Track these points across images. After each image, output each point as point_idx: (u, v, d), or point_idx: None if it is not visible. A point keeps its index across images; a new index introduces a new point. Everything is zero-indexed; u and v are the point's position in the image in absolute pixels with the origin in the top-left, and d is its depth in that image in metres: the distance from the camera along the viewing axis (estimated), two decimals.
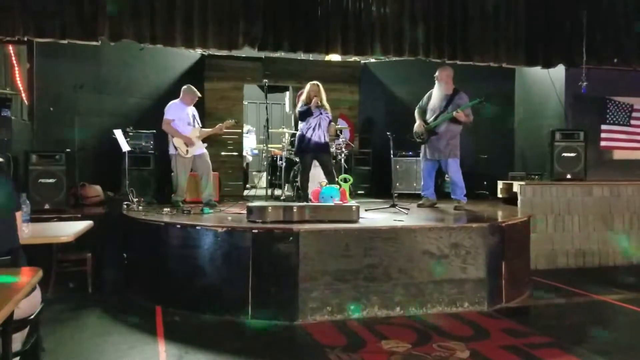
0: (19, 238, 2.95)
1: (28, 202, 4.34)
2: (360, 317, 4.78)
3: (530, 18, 7.93)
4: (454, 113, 6.54)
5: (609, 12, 8.07)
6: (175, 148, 6.66)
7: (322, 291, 4.73)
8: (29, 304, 2.82)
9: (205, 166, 6.90)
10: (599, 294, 5.73)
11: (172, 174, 6.83)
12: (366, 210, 6.27)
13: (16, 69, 7.21)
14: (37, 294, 2.90)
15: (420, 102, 7.06)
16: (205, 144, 7.07)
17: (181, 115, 6.76)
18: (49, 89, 7.53)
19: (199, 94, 7.01)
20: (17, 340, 2.78)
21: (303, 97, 6.98)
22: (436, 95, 6.87)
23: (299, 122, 7.03)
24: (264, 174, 9.98)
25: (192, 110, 6.95)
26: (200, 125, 7.03)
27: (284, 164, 7.87)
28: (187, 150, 6.70)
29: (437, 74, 6.88)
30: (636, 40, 8.12)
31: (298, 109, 6.98)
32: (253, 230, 4.80)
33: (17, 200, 3.04)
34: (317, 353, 4.00)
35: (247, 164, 11.11)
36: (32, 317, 2.81)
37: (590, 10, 7.87)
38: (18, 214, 3.02)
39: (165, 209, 6.19)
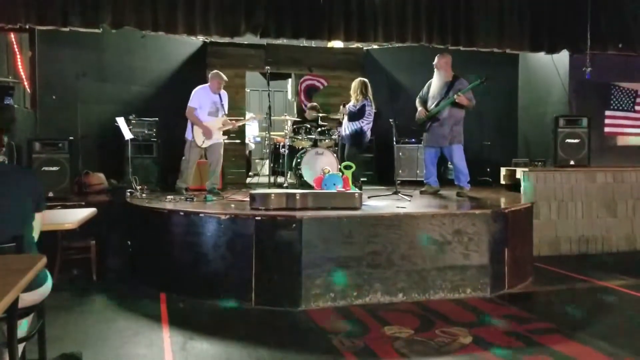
0: (33, 235, 2.93)
1: None
2: (363, 303, 4.81)
3: (534, 3, 7.88)
4: (455, 97, 6.52)
5: None
6: (193, 135, 6.65)
7: (325, 278, 4.75)
8: (42, 293, 2.84)
9: (217, 156, 6.91)
10: (602, 280, 5.74)
11: (183, 158, 6.84)
12: (369, 197, 6.27)
13: (18, 56, 7.21)
14: (49, 284, 2.92)
15: (421, 92, 7.05)
16: (225, 136, 7.06)
17: (204, 103, 6.75)
18: (51, 76, 7.53)
19: (226, 78, 6.95)
20: (23, 326, 2.80)
21: None
22: (436, 83, 6.84)
23: None
24: (267, 161, 9.98)
25: (222, 96, 6.90)
26: (225, 113, 6.97)
27: (287, 151, 7.87)
28: (203, 141, 6.71)
29: (435, 61, 6.85)
30: None
31: None
32: (256, 218, 4.81)
33: (40, 200, 3.00)
34: (321, 339, 4.03)
35: (250, 151, 11.10)
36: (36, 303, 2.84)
37: None
38: (39, 216, 3.00)
39: (168, 197, 6.21)
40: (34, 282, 2.45)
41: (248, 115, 7.22)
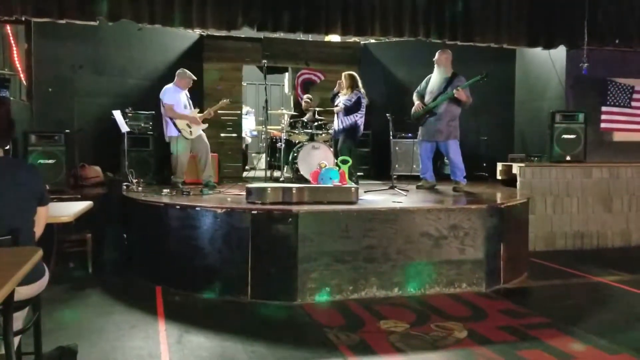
0: (33, 229, 2.92)
1: None
2: (359, 297, 4.82)
3: None
4: (455, 92, 6.51)
5: None
6: (179, 130, 6.64)
7: (321, 272, 4.76)
8: (38, 286, 2.83)
9: (204, 147, 6.92)
10: (597, 276, 5.76)
11: (172, 156, 6.82)
12: (365, 192, 6.28)
13: (14, 49, 7.18)
14: (46, 277, 2.91)
15: (418, 87, 7.05)
16: (207, 125, 7.08)
17: (178, 100, 6.76)
18: (47, 69, 7.49)
19: (194, 77, 6.99)
20: (19, 319, 2.80)
21: None
22: (435, 78, 6.84)
23: None
24: (263, 155, 9.97)
25: (186, 94, 6.96)
26: (197, 109, 7.03)
27: (283, 145, 7.86)
28: (190, 132, 6.71)
29: (436, 57, 6.85)
30: (638, 21, 8.06)
31: None
32: (252, 211, 4.81)
33: (42, 193, 3.00)
34: (317, 333, 4.04)
35: (246, 145, 11.09)
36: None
37: None
38: (43, 209, 3.00)
39: (164, 190, 6.20)
40: (30, 275, 2.45)
41: (222, 102, 7.19)
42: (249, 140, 11.40)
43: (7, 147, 2.91)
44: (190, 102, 7.00)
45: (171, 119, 6.66)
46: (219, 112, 7.34)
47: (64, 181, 6.45)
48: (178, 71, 6.95)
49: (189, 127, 6.71)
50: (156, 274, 5.29)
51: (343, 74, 7.55)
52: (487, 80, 6.54)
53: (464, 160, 6.82)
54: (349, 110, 7.23)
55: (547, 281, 5.67)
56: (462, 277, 5.09)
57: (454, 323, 4.22)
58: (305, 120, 7.96)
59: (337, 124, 7.47)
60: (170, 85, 6.84)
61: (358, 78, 7.43)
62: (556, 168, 7.26)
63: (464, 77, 6.69)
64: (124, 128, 6.97)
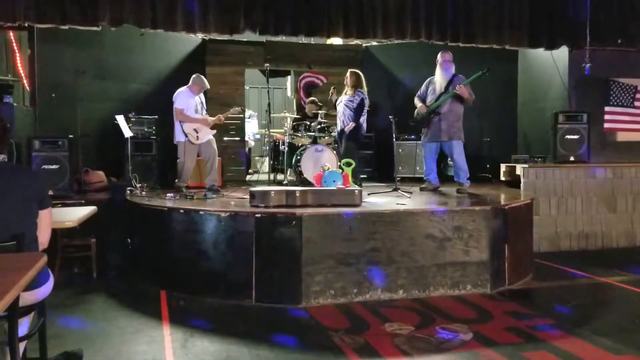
0: (37, 234, 2.93)
1: None
2: (363, 300, 4.81)
3: None
4: (457, 88, 6.51)
5: None
6: (186, 135, 6.64)
7: (325, 275, 4.75)
8: (43, 292, 2.84)
9: (212, 152, 6.92)
10: (602, 276, 5.75)
11: (178, 160, 6.82)
12: (369, 194, 6.27)
13: (17, 55, 7.21)
14: (51, 282, 2.92)
15: (419, 92, 7.05)
16: (215, 131, 7.08)
17: (189, 104, 6.74)
18: (50, 75, 7.52)
19: (208, 85, 6.98)
20: (24, 325, 2.80)
21: None
22: (437, 79, 6.85)
23: None
24: (266, 158, 9.97)
25: (199, 98, 6.94)
26: (207, 114, 7.03)
27: (286, 148, 7.86)
28: (197, 137, 6.70)
29: (438, 58, 6.85)
30: None
31: None
32: (256, 215, 4.81)
33: (43, 197, 3.01)
34: (321, 336, 4.03)
35: (250, 148, 11.09)
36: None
37: None
38: (44, 213, 3.00)
39: (168, 194, 6.21)
40: (35, 281, 2.45)
41: (233, 109, 7.19)
42: (252, 143, 11.41)
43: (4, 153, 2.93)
44: (204, 106, 6.97)
45: (181, 122, 6.66)
46: None
47: (68, 186, 6.47)
48: (193, 76, 6.87)
49: (196, 132, 6.70)
50: (160, 278, 5.29)
51: (349, 71, 7.54)
52: (490, 82, 6.54)
53: (468, 161, 6.81)
54: (354, 112, 7.23)
55: (552, 282, 5.65)
56: (466, 279, 5.08)
57: (459, 325, 4.21)
58: (308, 123, 7.95)
59: (339, 125, 7.47)
60: (183, 89, 6.81)
61: (363, 78, 7.43)
62: (560, 169, 7.25)
63: (465, 77, 6.69)
64: (127, 133, 6.98)
